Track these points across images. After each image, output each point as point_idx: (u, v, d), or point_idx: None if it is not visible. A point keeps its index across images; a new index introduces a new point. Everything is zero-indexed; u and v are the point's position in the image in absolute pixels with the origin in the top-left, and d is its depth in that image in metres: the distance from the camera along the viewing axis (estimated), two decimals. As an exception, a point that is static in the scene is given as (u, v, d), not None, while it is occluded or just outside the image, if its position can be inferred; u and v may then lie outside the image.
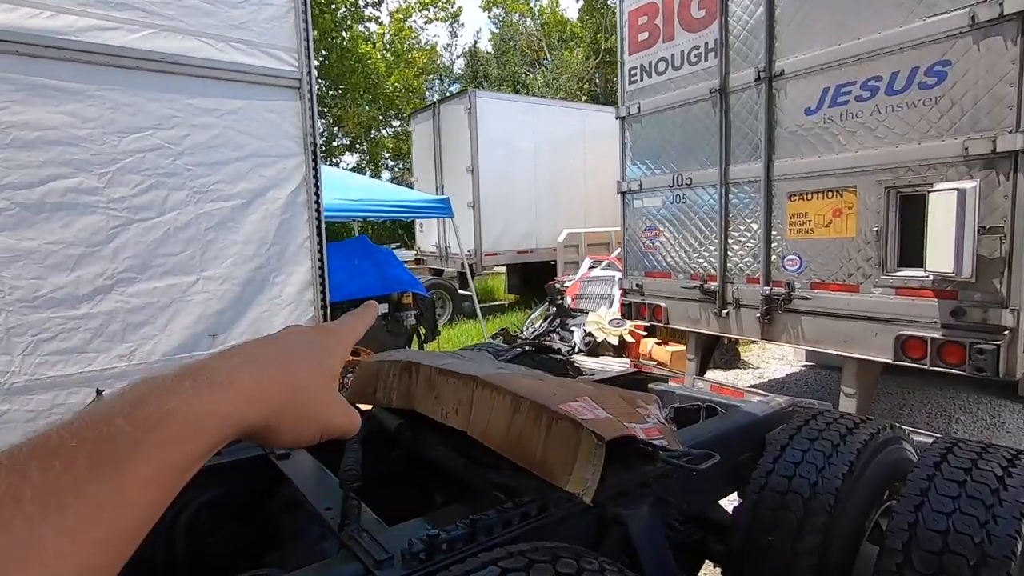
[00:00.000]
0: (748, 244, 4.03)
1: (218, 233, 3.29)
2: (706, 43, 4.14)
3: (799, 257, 3.72)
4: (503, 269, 12.29)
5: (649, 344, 6.81)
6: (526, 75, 26.42)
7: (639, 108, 4.69)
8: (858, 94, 3.33)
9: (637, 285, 4.90)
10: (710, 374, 6.51)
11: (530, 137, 10.35)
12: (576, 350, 7.39)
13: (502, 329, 7.59)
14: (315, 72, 3.45)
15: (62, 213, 2.85)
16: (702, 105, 4.22)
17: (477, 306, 6.15)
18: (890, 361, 3.25)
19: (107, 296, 2.98)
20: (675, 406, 2.93)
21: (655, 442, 1.49)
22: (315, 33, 14.67)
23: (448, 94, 10.94)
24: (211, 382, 0.37)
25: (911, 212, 3.19)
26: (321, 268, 3.66)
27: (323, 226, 3.68)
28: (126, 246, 3.02)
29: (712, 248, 4.24)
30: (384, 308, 5.87)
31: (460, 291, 10.36)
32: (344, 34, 16.86)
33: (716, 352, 6.67)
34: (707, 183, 4.24)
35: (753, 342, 5.68)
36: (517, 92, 23.50)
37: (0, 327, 2.73)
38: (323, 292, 3.64)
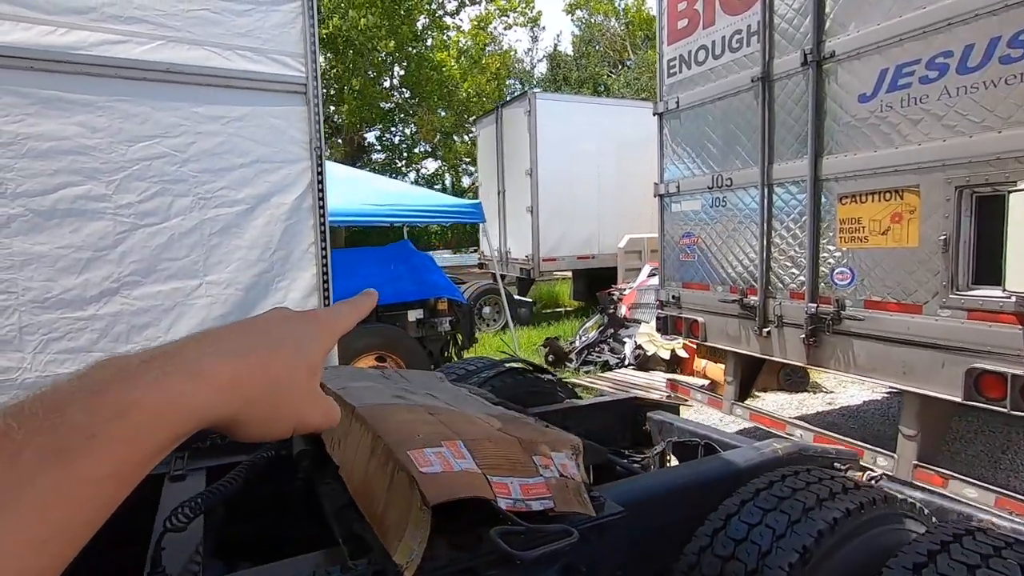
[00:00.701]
0: (792, 254, 3.50)
1: (222, 238, 3.34)
2: (748, 26, 3.67)
3: (851, 270, 3.16)
4: (569, 275, 11.98)
5: (703, 361, 6.24)
6: (608, 76, 25.84)
7: (677, 103, 4.27)
8: (923, 75, 2.75)
9: (674, 297, 4.46)
10: (772, 397, 5.86)
11: (594, 138, 9.96)
12: (626, 363, 6.96)
13: (547, 339, 7.32)
14: (320, 76, 3.44)
15: (72, 219, 3.00)
16: (744, 96, 3.74)
17: (508, 313, 5.92)
18: (959, 400, 2.65)
19: (113, 298, 3.11)
20: (673, 440, 2.58)
21: (534, 503, 1.21)
22: (392, 44, 15.20)
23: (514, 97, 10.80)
24: (182, 371, 0.34)
25: (988, 217, 2.58)
26: (325, 274, 3.62)
27: (328, 231, 3.64)
28: (132, 251, 3.13)
29: (753, 257, 3.75)
30: (419, 314, 5.82)
31: (517, 297, 10.20)
32: (428, 42, 17.30)
33: (780, 372, 5.98)
34: (748, 184, 3.75)
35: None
36: (598, 94, 23.02)
37: (14, 326, 2.92)
38: (327, 298, 3.60)
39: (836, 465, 2.05)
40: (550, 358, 7.21)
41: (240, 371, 0.36)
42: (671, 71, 4.33)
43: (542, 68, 28.95)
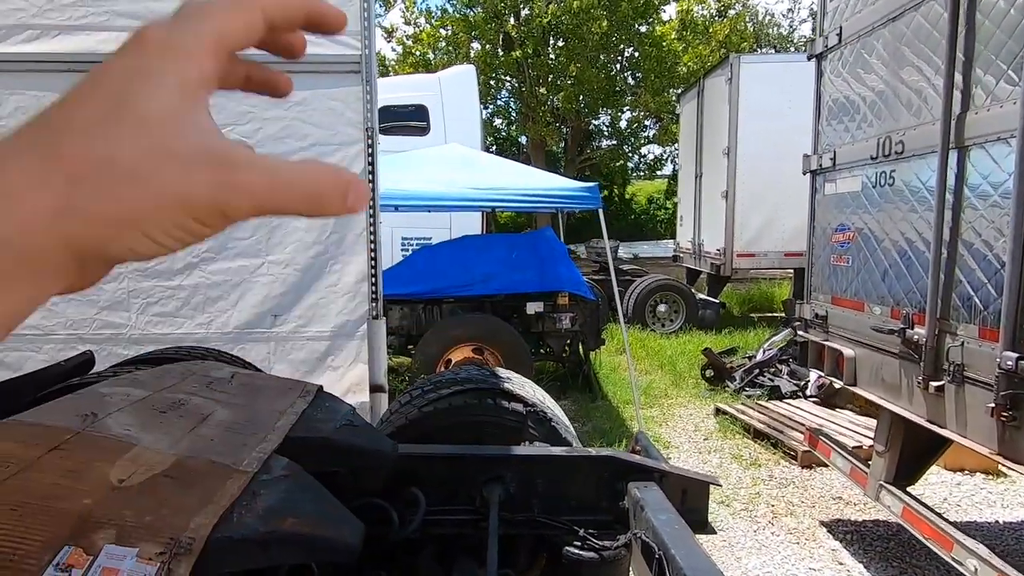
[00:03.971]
0: (989, 261, 2.07)
1: (282, 220, 3.47)
2: None
3: (1088, 298, 1.70)
4: (791, 273, 9.97)
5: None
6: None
7: (839, 35, 2.96)
8: None
9: (819, 315, 3.16)
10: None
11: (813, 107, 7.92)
12: (807, 394, 5.39)
13: (705, 349, 6.09)
14: (376, 54, 3.26)
15: (164, 200, 3.43)
16: (927, 7, 2.35)
17: (623, 323, 4.89)
18: None
19: (193, 272, 3.48)
20: (641, 535, 1.76)
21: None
22: (605, 24, 14.55)
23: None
24: None
25: None
26: (374, 260, 3.48)
27: (378, 216, 3.49)
28: (208, 230, 3.45)
29: (928, 264, 2.36)
30: (539, 307, 5.37)
31: (702, 297, 8.84)
32: (661, 14, 16.16)
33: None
34: (926, 148, 2.36)
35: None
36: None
37: (123, 290, 3.48)
38: (375, 285, 3.47)
39: None
40: (708, 373, 6.01)
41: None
42: (835, -10, 3.01)
43: (805, 29, 24.78)
